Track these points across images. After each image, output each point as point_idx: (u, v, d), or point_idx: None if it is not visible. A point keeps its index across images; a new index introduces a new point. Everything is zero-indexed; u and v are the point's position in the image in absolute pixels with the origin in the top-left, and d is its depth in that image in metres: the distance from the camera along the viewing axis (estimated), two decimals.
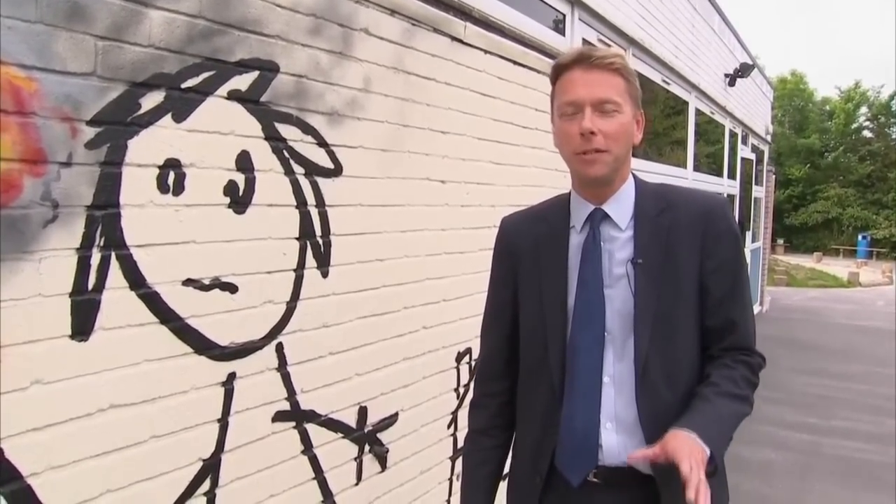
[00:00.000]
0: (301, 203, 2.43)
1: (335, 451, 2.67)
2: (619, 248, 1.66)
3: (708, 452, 1.43)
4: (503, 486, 1.88)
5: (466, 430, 1.95)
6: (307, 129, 2.44)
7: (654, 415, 1.60)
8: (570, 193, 1.76)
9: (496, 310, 1.86)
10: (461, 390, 3.48)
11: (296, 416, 2.46)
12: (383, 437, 2.93)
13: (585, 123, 1.55)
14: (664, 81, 7.19)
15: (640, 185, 1.72)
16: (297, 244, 2.42)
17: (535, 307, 1.74)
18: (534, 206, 1.89)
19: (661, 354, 1.61)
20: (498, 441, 1.87)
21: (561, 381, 1.68)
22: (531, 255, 1.76)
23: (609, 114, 1.57)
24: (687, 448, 1.39)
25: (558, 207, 1.78)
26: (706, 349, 1.68)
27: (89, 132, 1.75)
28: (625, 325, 1.64)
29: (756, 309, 12.93)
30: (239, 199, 2.19)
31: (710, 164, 9.96)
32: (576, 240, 1.71)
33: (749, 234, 13.17)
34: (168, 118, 1.95)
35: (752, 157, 13.26)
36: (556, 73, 1.65)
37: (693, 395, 1.59)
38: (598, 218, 1.68)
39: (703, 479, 1.33)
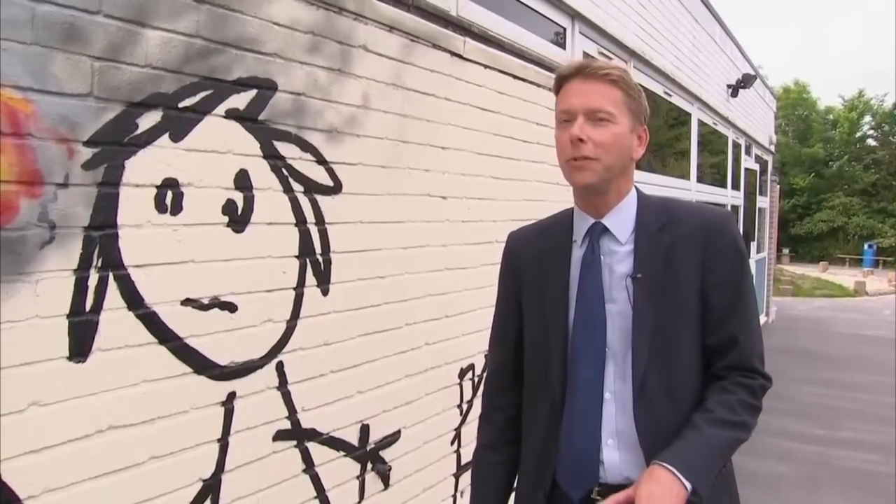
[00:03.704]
0: (300, 221, 2.42)
1: (337, 470, 2.65)
2: (618, 262, 1.66)
3: (689, 487, 1.44)
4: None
5: (475, 445, 1.93)
6: (306, 146, 2.44)
7: (653, 431, 1.58)
8: (573, 208, 1.77)
9: (502, 324, 1.87)
10: (464, 406, 3.46)
11: (297, 434, 2.45)
12: (386, 454, 2.91)
13: (574, 130, 1.58)
14: (666, 93, 7.19)
15: (643, 200, 1.71)
16: (296, 262, 2.42)
17: (537, 322, 1.74)
18: (540, 220, 1.90)
19: (660, 370, 1.60)
20: (505, 456, 1.84)
21: (561, 397, 1.67)
22: (534, 269, 1.77)
23: (601, 123, 1.58)
24: (656, 498, 1.40)
25: (562, 221, 1.78)
26: (709, 367, 1.65)
27: (86, 153, 1.75)
28: (625, 340, 1.63)
29: (762, 320, 12.88)
30: (238, 218, 2.18)
31: (713, 174, 9.95)
32: (577, 254, 1.71)
33: (754, 245, 13.14)
34: (165, 138, 1.95)
35: (756, 167, 13.25)
36: (558, 84, 1.68)
37: (685, 423, 1.58)
38: (597, 231, 1.68)
39: None
